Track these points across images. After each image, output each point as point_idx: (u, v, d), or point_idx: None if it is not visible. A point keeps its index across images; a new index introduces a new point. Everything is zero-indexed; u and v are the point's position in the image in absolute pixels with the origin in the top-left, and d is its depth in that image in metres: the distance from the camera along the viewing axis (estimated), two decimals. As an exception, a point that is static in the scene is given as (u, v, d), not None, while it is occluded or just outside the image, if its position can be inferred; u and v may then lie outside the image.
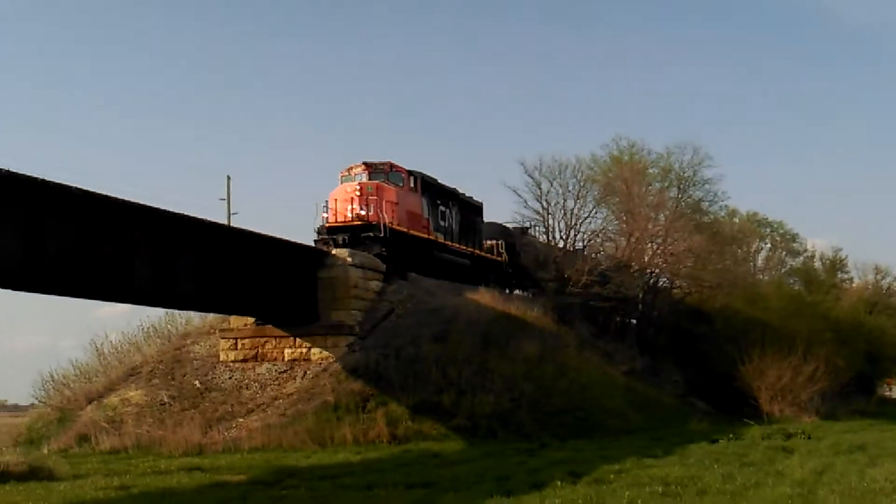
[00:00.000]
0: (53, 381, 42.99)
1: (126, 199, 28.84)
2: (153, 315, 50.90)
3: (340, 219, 42.23)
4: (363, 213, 41.87)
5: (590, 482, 20.96)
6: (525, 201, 52.92)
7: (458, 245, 49.26)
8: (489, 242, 53.70)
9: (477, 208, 52.97)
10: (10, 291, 27.76)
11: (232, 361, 38.93)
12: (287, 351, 38.60)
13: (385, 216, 41.66)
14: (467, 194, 51.91)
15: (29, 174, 25.51)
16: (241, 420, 35.56)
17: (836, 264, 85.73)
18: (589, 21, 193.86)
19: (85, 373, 43.05)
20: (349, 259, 39.33)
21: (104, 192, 28.15)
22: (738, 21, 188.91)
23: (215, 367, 39.01)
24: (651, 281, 57.71)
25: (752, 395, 49.67)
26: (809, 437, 33.75)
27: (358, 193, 42.15)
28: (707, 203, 63.74)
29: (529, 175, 52.24)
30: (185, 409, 36.47)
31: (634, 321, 57.62)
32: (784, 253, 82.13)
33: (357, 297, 39.50)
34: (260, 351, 38.87)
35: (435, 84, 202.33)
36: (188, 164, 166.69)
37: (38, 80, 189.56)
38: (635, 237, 55.60)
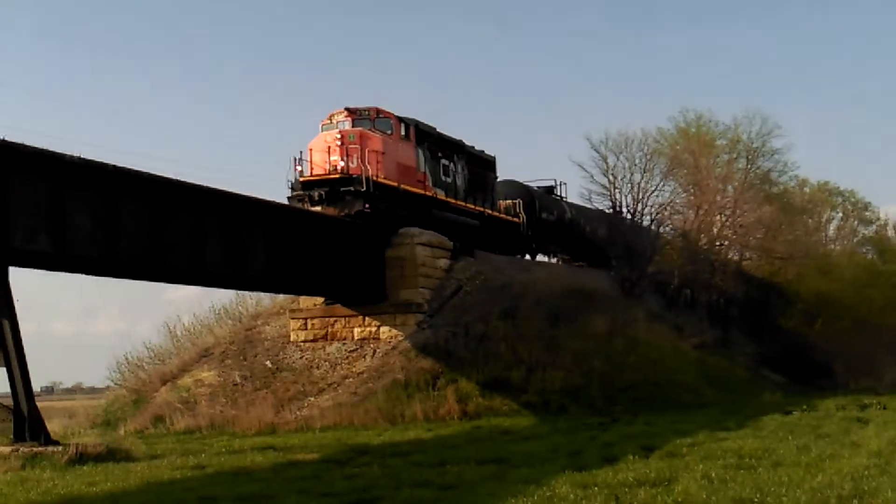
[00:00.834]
0: (128, 363, 43.69)
1: (197, 183, 29.21)
2: (223, 297, 51.47)
3: (317, 171, 37.27)
4: (343, 164, 36.68)
5: (662, 456, 20.84)
6: (591, 176, 52.67)
7: (464, 203, 43.67)
8: (506, 202, 48.51)
9: (488, 163, 47.71)
10: (85, 278, 28.28)
11: (302, 341, 39.21)
12: (356, 330, 38.77)
13: (369, 168, 36.47)
14: (477, 147, 46.86)
15: (103, 161, 25.97)
16: (312, 399, 35.86)
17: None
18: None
19: (159, 355, 43.66)
20: (417, 237, 39.30)
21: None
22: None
23: (286, 347, 39.33)
24: (721, 253, 57.18)
25: (825, 366, 49.10)
26: (885, 408, 33.19)
27: (338, 142, 37.03)
28: (776, 173, 62.83)
29: (595, 150, 51.95)
30: (258, 389, 36.86)
31: (705, 293, 57.15)
32: (856, 222, 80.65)
33: (425, 275, 39.52)
34: (330, 330, 39.08)
35: (488, 65, 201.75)
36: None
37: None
38: (704, 209, 55.11)
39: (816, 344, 50.74)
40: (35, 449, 23.46)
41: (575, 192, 58.51)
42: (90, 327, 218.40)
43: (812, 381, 49.48)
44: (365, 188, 36.19)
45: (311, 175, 37.17)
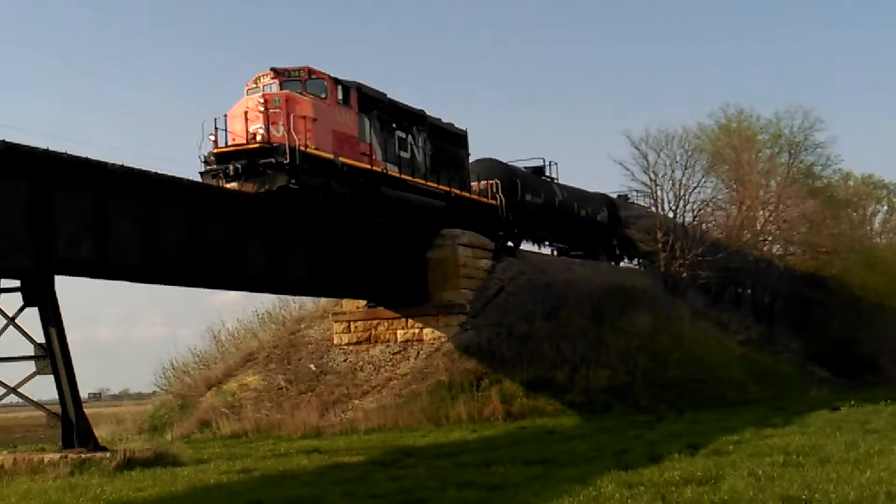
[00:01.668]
0: (174, 369, 44.11)
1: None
2: (266, 301, 51.67)
3: (235, 141, 31.50)
4: (263, 132, 31.15)
5: (708, 454, 20.71)
6: (632, 173, 52.46)
7: (424, 182, 38.01)
8: (481, 183, 42.85)
9: (458, 137, 41.84)
10: (129, 285, 28.48)
11: (346, 344, 39.31)
12: (399, 332, 38.83)
13: (295, 136, 30.77)
14: (445, 120, 41.21)
15: (145, 168, 26.18)
16: (356, 402, 35.95)
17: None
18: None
19: (203, 360, 43.99)
20: (458, 238, 39.24)
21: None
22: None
23: (330, 351, 39.46)
24: (764, 248, 56.85)
25: (873, 361, 48.65)
26: (935, 403, 32.84)
27: (261, 108, 31.39)
28: (819, 167, 62.52)
29: (636, 147, 51.72)
30: (302, 393, 37.01)
31: (748, 290, 56.83)
32: (902, 215, 79.94)
33: (467, 276, 39.50)
34: (373, 333, 39.15)
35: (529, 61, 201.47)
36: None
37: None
38: (746, 205, 54.87)
39: (863, 339, 50.25)
40: (83, 455, 23.64)
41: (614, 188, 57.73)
42: (133, 333, 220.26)
43: (859, 375, 49.02)
44: (289, 160, 30.46)
45: (227, 146, 31.38)
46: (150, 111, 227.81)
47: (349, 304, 40.07)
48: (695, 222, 52.69)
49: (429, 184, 38.16)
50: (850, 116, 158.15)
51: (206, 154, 31.32)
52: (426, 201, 37.85)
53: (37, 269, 23.99)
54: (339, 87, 33.95)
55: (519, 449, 24.37)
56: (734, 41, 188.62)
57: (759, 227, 55.96)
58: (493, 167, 44.62)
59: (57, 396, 24.66)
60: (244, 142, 31.12)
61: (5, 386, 24.76)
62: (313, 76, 33.22)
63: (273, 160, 30.38)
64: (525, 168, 47.86)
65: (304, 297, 42.95)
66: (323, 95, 33.24)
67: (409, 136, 37.79)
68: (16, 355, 24.96)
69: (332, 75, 33.70)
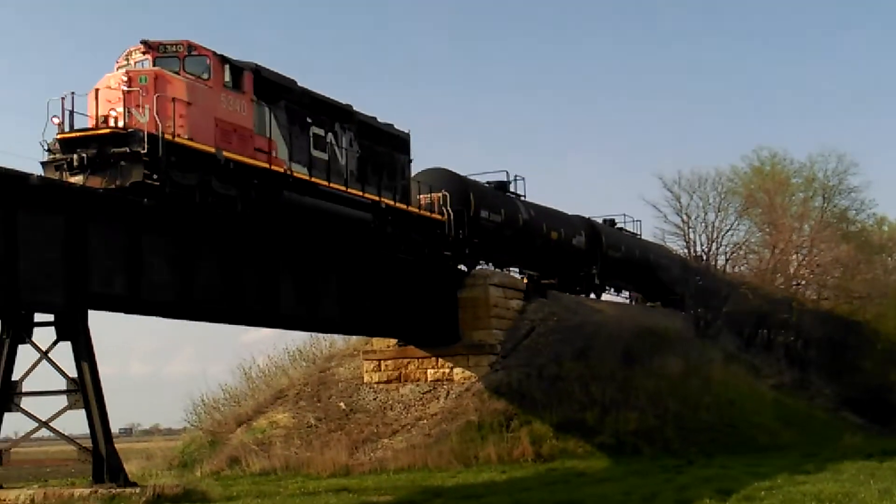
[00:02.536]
0: (204, 405, 44.23)
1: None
2: (297, 338, 51.81)
3: (86, 125, 25.43)
4: (122, 115, 25.19)
5: (739, 500, 20.61)
6: (665, 216, 52.45)
7: (345, 189, 32.02)
8: (427, 196, 37.28)
9: (396, 140, 35.97)
10: (161, 321, 28.58)
11: (376, 383, 39.29)
12: (430, 371, 38.80)
13: (160, 121, 24.87)
14: (382, 121, 35.58)
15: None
16: (386, 441, 35.90)
17: None
18: (713, 28, 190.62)
19: (234, 396, 44.11)
20: (490, 278, 39.24)
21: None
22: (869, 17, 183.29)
23: (359, 389, 39.45)
24: (797, 293, 56.57)
25: (907, 408, 48.19)
26: (970, 451, 32.47)
27: (124, 87, 25.48)
28: (854, 212, 62.28)
29: (668, 189, 51.74)
30: (332, 431, 36.99)
31: (781, 334, 56.50)
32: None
33: (497, 316, 39.46)
34: (403, 372, 39.12)
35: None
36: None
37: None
38: (779, 248, 54.66)
39: (898, 385, 49.72)
40: (113, 490, 23.71)
41: (648, 231, 57.44)
42: (164, 369, 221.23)
43: (894, 423, 48.53)
44: (148, 150, 24.51)
45: (72, 131, 25.34)
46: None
47: (379, 343, 40.08)
48: (727, 265, 52.61)
49: (350, 191, 32.30)
50: (886, 161, 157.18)
51: (48, 141, 25.52)
52: (345, 211, 31.93)
53: (70, 304, 24.15)
54: (228, 68, 27.80)
55: (548, 491, 24.31)
56: (766, 85, 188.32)
57: (791, 272, 55.77)
58: (442, 177, 39.19)
59: (88, 431, 24.78)
60: (94, 126, 25.33)
61: (37, 420, 24.89)
62: (194, 52, 27.22)
63: (128, 150, 24.65)
64: (488, 183, 42.75)
65: (335, 335, 43.05)
66: (205, 76, 27.17)
67: (330, 135, 32.15)
68: (48, 389, 25.11)
69: (218, 52, 27.65)
